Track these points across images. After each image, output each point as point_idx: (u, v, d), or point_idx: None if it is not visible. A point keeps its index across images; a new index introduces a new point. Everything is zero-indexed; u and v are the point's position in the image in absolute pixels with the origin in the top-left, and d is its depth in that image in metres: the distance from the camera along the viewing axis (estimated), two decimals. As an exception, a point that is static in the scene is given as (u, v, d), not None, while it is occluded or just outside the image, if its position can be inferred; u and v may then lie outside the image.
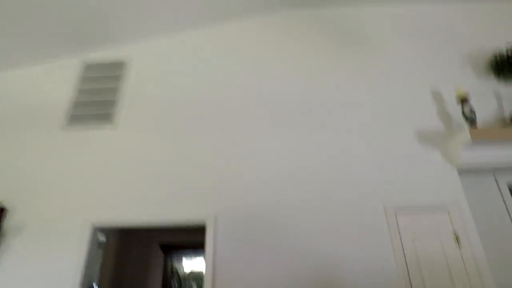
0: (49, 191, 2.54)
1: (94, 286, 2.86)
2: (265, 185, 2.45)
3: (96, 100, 2.90)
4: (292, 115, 2.73)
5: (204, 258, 2.29)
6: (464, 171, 2.49)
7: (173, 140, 2.69)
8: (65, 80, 3.07)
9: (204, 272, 2.27)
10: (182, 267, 3.57)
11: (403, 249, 2.17)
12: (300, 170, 2.49)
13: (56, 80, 3.07)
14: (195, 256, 3.60)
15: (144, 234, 3.73)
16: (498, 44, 2.98)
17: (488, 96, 2.76)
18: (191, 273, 3.46)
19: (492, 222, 2.41)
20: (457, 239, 2.20)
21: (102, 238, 3.18)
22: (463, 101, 2.49)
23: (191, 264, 3.56)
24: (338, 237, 2.24)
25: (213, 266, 2.22)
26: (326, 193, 2.39)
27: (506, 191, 2.54)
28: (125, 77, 3.04)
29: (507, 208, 2.48)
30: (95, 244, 2.46)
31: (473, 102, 2.65)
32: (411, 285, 2.08)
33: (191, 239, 3.34)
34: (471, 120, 2.42)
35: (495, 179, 2.59)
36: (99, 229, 2.51)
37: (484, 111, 2.66)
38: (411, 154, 2.52)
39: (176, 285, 3.40)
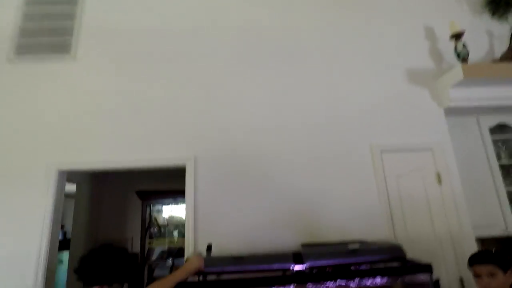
0: (2, 133, 2.24)
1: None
2: (247, 126, 2.29)
3: (47, 27, 2.49)
4: (277, 54, 2.50)
5: (185, 202, 2.18)
6: (449, 113, 2.45)
7: (146, 76, 2.40)
8: (8, 3, 2.58)
9: (185, 218, 2.18)
10: (162, 214, 3.50)
11: (386, 187, 2.17)
12: (285, 110, 2.34)
13: None
14: (175, 203, 3.52)
15: (120, 181, 3.57)
16: (495, -21, 2.79)
17: (481, 35, 2.64)
18: (171, 219, 3.41)
19: (470, 163, 2.44)
20: (438, 177, 2.22)
21: (72, 183, 2.98)
22: (457, 37, 2.36)
23: (171, 212, 3.49)
24: (323, 175, 2.19)
25: (194, 209, 2.12)
26: (311, 132, 2.28)
27: (487, 134, 2.56)
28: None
29: (486, 151, 2.52)
30: (62, 189, 2.27)
31: (466, 40, 2.53)
32: (392, 221, 2.12)
33: (170, 186, 3.22)
34: (463, 57, 2.31)
35: (478, 122, 2.59)
36: (66, 173, 2.30)
37: (476, 51, 2.56)
38: (400, 94, 2.43)
39: (156, 233, 3.36)
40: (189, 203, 2.13)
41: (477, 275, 1.47)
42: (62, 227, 7.03)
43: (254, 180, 2.18)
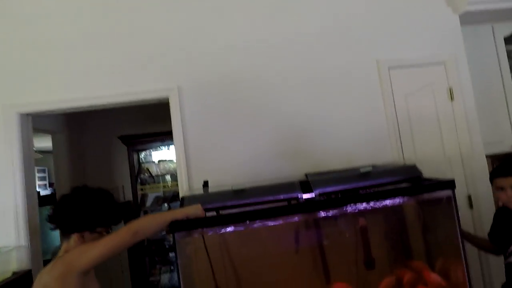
0: None
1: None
2: (235, 47, 1.96)
3: None
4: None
5: (173, 138, 1.94)
6: (463, 21, 2.15)
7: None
8: None
9: (175, 157, 1.96)
10: (152, 159, 3.29)
11: (394, 106, 1.97)
12: (278, 25, 1.99)
13: None
14: (165, 146, 3.29)
15: (100, 128, 3.27)
16: None
17: None
18: (162, 163, 3.22)
19: (482, 77, 2.24)
20: (451, 93, 2.01)
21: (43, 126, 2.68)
22: None
23: (161, 156, 3.29)
24: (325, 97, 1.95)
25: (184, 146, 1.89)
26: (312, 49, 1.98)
27: (501, 44, 2.32)
28: None
29: (499, 63, 2.30)
30: (29, 136, 1.97)
31: None
32: (401, 143, 1.96)
33: (156, 129, 2.95)
34: None
35: (492, 31, 2.32)
36: (31, 116, 1.98)
37: None
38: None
39: (148, 179, 3.18)
40: (177, 139, 1.90)
41: (500, 188, 1.35)
42: (52, 184, 6.86)
43: (247, 108, 1.93)
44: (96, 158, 3.28)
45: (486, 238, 1.50)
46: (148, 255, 2.98)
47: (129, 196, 3.15)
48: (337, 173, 1.62)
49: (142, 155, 3.30)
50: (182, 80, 1.92)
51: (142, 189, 3.07)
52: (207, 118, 1.92)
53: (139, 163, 3.21)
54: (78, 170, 3.14)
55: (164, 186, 3.11)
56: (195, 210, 1.23)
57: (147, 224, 1.12)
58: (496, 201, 1.61)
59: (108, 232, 1.16)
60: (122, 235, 1.05)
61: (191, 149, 1.91)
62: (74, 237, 1.10)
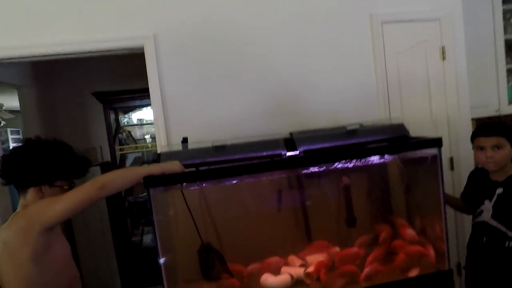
0: None
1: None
2: (219, -7, 1.77)
3: None
4: None
5: (150, 92, 1.80)
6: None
7: None
8: None
9: (152, 113, 1.83)
10: (130, 119, 3.13)
11: (385, 64, 1.88)
12: (267, -30, 1.80)
13: None
14: (143, 105, 3.11)
15: (72, 83, 3.02)
16: None
17: None
18: (141, 122, 3.07)
19: (474, 37, 2.16)
20: (443, 52, 1.94)
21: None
22: None
23: (140, 115, 3.12)
24: (312, 52, 1.83)
25: (161, 101, 1.76)
26: (298, 1, 1.82)
27: (498, 3, 2.22)
28: None
29: (493, 23, 2.22)
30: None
31: None
32: (389, 102, 1.91)
33: (133, 86, 2.75)
34: None
35: (490, -12, 2.21)
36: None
37: None
38: None
39: (126, 139, 3.04)
40: (154, 93, 1.76)
41: (480, 148, 1.34)
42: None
43: (230, 61, 1.79)
44: (69, 117, 3.08)
45: (458, 198, 1.53)
46: (130, 216, 2.94)
47: (107, 157, 3.03)
48: (323, 131, 1.56)
49: (120, 114, 3.12)
50: (159, 28, 1.74)
51: (121, 150, 2.94)
52: (186, 72, 1.78)
53: (117, 123, 3.04)
54: (50, 130, 2.95)
55: (144, 147, 2.99)
56: (172, 165, 1.14)
57: (115, 179, 1.03)
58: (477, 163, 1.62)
59: (71, 187, 1.07)
60: (87, 189, 0.97)
61: (170, 105, 1.78)
62: (31, 192, 1.01)
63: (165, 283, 1.14)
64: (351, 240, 1.48)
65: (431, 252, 1.37)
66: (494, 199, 1.32)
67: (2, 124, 4.48)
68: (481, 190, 1.39)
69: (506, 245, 1.28)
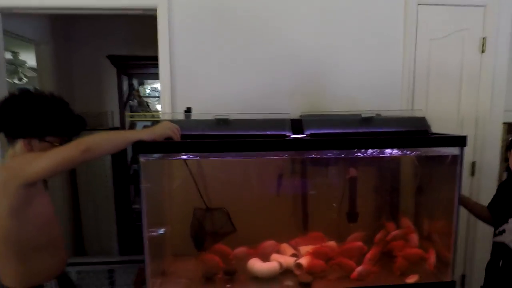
0: None
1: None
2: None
3: None
4: None
5: (158, 58, 1.71)
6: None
7: None
8: None
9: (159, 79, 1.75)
10: (144, 87, 3.08)
11: (415, 51, 1.70)
12: None
13: None
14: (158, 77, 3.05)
15: (88, 43, 2.98)
16: None
17: None
18: (154, 91, 3.03)
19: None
20: (483, 44, 1.73)
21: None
22: None
23: (153, 84, 3.07)
24: (337, 30, 1.68)
25: (169, 67, 1.68)
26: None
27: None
28: None
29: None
30: None
31: None
32: (413, 95, 1.74)
33: (148, 52, 2.66)
34: None
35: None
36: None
37: None
38: None
39: (137, 107, 3.01)
40: (163, 59, 1.67)
41: None
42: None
43: (245, 33, 1.67)
44: (84, 79, 3.06)
45: (485, 207, 1.36)
46: (134, 184, 2.95)
47: (116, 123, 3.02)
48: (335, 116, 1.44)
49: (134, 81, 3.08)
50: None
51: (131, 117, 2.92)
52: (199, 42, 1.68)
53: (130, 89, 3.00)
54: (64, 90, 2.95)
55: (153, 116, 2.95)
56: (163, 129, 1.07)
57: (101, 142, 0.96)
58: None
59: (61, 145, 1.02)
60: (70, 150, 0.91)
61: (178, 75, 1.70)
62: (20, 143, 0.96)
63: (146, 255, 1.10)
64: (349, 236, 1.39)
65: (432, 259, 1.26)
66: None
67: (24, 81, 4.56)
68: (509, 206, 1.21)
69: None
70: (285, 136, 1.22)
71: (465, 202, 1.34)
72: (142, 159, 1.08)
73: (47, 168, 0.89)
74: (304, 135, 1.22)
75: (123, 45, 2.96)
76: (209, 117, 1.28)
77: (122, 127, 2.90)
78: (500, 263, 1.20)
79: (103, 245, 2.97)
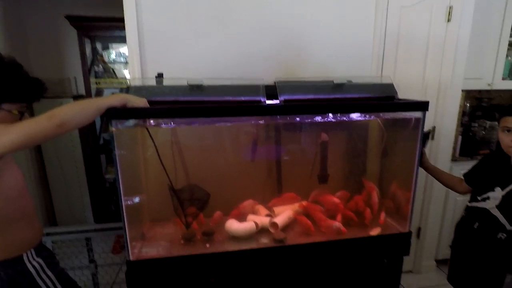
0: None
1: None
2: None
3: None
4: None
5: (125, 21, 1.60)
6: None
7: None
8: None
9: (126, 43, 1.65)
10: (109, 51, 2.89)
11: (386, 19, 1.73)
12: None
13: None
14: (124, 40, 2.85)
15: (44, 3, 2.70)
16: None
17: None
18: (120, 56, 2.85)
19: (486, 3, 2.00)
20: (449, 13, 1.79)
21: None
22: None
23: (119, 48, 2.88)
24: (310, 2, 1.65)
25: (137, 30, 1.58)
26: None
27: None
28: None
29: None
30: None
31: None
32: (383, 62, 1.80)
33: (112, 13, 2.46)
34: None
35: None
36: None
37: None
38: None
39: (103, 72, 2.83)
40: (129, 22, 1.57)
41: (506, 129, 1.19)
42: None
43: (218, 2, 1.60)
44: (40, 41, 2.80)
45: (453, 175, 1.46)
46: (105, 153, 2.87)
47: (81, 90, 2.85)
48: (308, 83, 1.46)
49: (98, 44, 2.87)
50: None
51: (97, 83, 2.76)
52: (169, 2, 1.58)
53: (94, 53, 2.80)
54: (18, 54, 2.68)
55: (121, 83, 2.81)
56: (134, 99, 1.04)
57: (76, 115, 0.90)
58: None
59: (21, 113, 0.96)
60: (44, 125, 0.84)
61: (147, 39, 1.60)
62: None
63: (125, 223, 1.11)
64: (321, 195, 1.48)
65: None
66: (509, 188, 1.19)
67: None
68: (496, 175, 1.25)
69: (498, 236, 1.23)
70: (259, 102, 1.23)
71: (432, 171, 1.45)
72: (114, 127, 1.05)
73: (16, 142, 0.83)
74: (278, 101, 1.24)
75: (83, 4, 2.71)
76: (182, 82, 1.25)
77: (87, 94, 2.74)
78: (476, 225, 1.29)
79: (76, 215, 2.93)
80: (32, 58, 2.79)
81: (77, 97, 2.79)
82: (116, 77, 2.86)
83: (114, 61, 2.90)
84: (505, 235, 1.21)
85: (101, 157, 2.91)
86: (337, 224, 1.33)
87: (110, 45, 2.91)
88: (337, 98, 1.29)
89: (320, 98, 1.28)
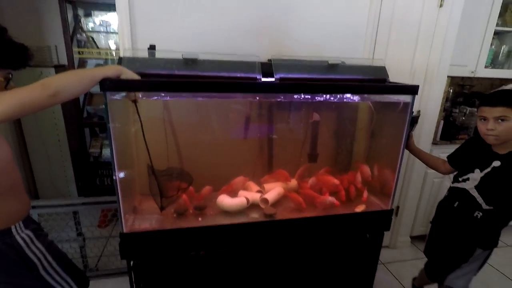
0: None
1: None
2: None
3: None
4: None
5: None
6: None
7: None
8: None
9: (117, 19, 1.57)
10: (92, 19, 2.73)
11: (381, 1, 1.74)
12: None
13: None
14: (110, 8, 2.71)
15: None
16: None
17: None
18: (104, 25, 2.71)
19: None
20: (442, -2, 1.82)
21: None
22: None
23: (104, 16, 2.73)
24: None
25: (128, 7, 1.51)
26: None
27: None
28: None
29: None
30: None
31: None
32: (375, 46, 1.82)
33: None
34: None
35: None
36: None
37: None
38: None
39: (86, 42, 2.69)
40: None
41: (482, 118, 1.23)
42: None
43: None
44: (18, 7, 2.61)
45: (437, 157, 1.52)
46: (88, 126, 2.78)
47: (63, 60, 2.71)
48: (303, 62, 1.46)
49: (80, 11, 2.70)
50: None
51: (80, 53, 2.62)
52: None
53: (76, 21, 2.65)
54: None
55: (106, 53, 2.69)
56: (128, 70, 1.02)
57: (70, 84, 0.86)
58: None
59: (7, 80, 0.92)
60: (37, 94, 0.80)
61: (137, 9, 1.54)
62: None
63: (119, 196, 1.11)
64: (308, 174, 1.53)
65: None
66: (487, 170, 1.26)
67: None
68: (476, 158, 1.32)
69: (475, 215, 1.30)
70: (255, 79, 1.23)
71: (418, 153, 1.52)
72: (108, 98, 1.02)
73: (7, 112, 0.78)
74: (274, 79, 1.25)
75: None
76: (176, 56, 1.23)
77: (69, 64, 2.61)
78: (456, 204, 1.38)
79: (59, 189, 2.87)
80: (8, 24, 2.60)
81: (59, 67, 2.66)
82: (97, 47, 2.73)
83: (92, 30, 2.75)
84: (481, 213, 1.30)
85: (85, 131, 2.83)
86: (331, 199, 1.39)
87: (93, 12, 2.75)
88: (331, 78, 1.31)
89: (315, 77, 1.29)
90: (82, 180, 2.79)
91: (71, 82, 0.88)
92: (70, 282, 1.15)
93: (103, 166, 2.78)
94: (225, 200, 1.36)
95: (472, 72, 2.28)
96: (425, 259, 1.59)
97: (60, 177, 2.91)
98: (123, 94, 1.14)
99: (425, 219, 2.38)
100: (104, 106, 1.03)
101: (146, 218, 1.29)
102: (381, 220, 1.45)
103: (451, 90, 2.41)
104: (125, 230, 1.18)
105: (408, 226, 2.38)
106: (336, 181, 1.48)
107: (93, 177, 2.86)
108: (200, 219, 1.31)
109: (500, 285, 2.06)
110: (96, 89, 0.97)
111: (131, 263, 1.26)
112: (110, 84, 0.97)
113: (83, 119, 2.70)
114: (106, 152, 2.78)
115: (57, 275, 1.12)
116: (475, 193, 1.30)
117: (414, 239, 2.46)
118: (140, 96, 1.17)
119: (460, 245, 1.38)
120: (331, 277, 1.53)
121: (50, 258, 1.10)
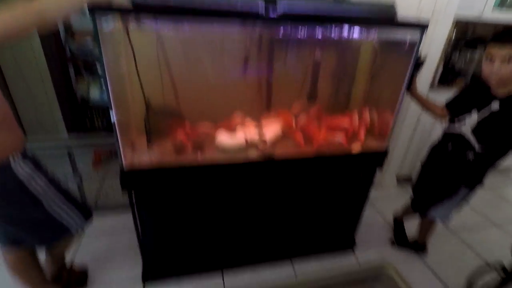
0: None
1: None
2: None
3: None
4: None
5: None
6: None
7: None
8: None
9: None
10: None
11: None
12: None
13: None
14: None
15: None
16: None
17: None
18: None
19: None
20: None
21: None
22: None
23: None
24: None
25: None
26: None
27: None
28: None
29: None
30: None
31: None
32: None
33: None
34: None
35: None
36: None
37: None
38: None
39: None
40: None
41: (490, 57, 1.17)
42: None
43: None
44: None
45: (436, 104, 1.49)
46: (72, 62, 2.60)
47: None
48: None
49: None
50: None
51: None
52: None
53: None
54: None
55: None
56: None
57: (59, 6, 0.79)
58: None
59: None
60: (23, 17, 0.74)
61: None
62: None
63: (118, 134, 1.09)
64: (308, 113, 1.52)
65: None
66: (484, 113, 1.25)
67: None
68: (474, 100, 1.29)
69: (468, 157, 1.33)
70: (257, 14, 1.13)
71: (419, 97, 1.49)
72: (102, 29, 0.93)
73: None
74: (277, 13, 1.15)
75: None
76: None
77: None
78: (449, 148, 1.41)
79: (45, 128, 2.79)
80: None
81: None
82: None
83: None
84: (473, 157, 1.34)
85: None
86: (339, 137, 1.40)
87: None
88: (338, 11, 1.22)
89: (321, 13, 1.20)
90: (71, 122, 2.72)
91: (59, 4, 0.80)
92: (76, 212, 1.18)
93: (92, 107, 2.69)
94: (223, 137, 1.35)
95: (479, 13, 2.17)
96: (408, 197, 1.69)
97: (47, 117, 2.81)
98: (116, 23, 1.04)
99: (412, 162, 2.49)
100: (93, 37, 0.95)
101: (145, 154, 1.28)
102: (375, 160, 1.49)
103: (453, 36, 2.32)
104: (125, 169, 1.18)
105: (396, 167, 2.49)
106: (346, 124, 1.47)
107: (83, 118, 2.79)
108: (199, 154, 1.31)
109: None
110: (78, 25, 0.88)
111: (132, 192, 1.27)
112: (103, 8, 0.88)
113: (65, 57, 2.52)
114: (94, 93, 2.67)
115: (62, 207, 1.14)
116: (470, 137, 1.32)
117: (400, 179, 2.59)
118: (136, 25, 1.07)
119: (447, 183, 1.46)
120: (324, 211, 1.62)
121: (53, 191, 1.11)
